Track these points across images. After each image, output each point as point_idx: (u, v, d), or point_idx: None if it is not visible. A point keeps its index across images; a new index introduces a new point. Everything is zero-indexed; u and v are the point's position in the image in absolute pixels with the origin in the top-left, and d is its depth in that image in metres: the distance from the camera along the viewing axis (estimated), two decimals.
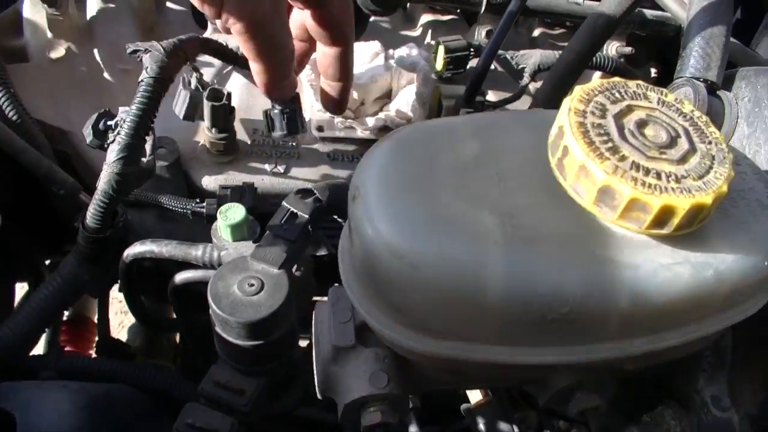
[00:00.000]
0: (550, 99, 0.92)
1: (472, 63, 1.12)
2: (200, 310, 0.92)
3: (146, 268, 0.89)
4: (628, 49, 1.19)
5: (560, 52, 1.08)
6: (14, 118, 0.95)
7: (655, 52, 1.34)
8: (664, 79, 1.33)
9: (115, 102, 1.06)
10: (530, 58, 1.08)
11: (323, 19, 0.78)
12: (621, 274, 0.42)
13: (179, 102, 0.86)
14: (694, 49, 0.65)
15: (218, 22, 0.68)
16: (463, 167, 0.45)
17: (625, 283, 0.42)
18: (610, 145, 0.42)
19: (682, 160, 0.43)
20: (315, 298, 0.86)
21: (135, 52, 0.78)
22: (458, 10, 1.24)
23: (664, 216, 0.42)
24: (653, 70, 1.35)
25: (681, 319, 0.46)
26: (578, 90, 0.45)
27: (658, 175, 0.42)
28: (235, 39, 0.71)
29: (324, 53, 0.82)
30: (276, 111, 0.85)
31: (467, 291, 0.41)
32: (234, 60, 0.83)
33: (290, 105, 0.85)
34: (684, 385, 0.60)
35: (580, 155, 0.42)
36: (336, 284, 0.58)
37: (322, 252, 0.82)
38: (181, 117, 0.87)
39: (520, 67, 1.09)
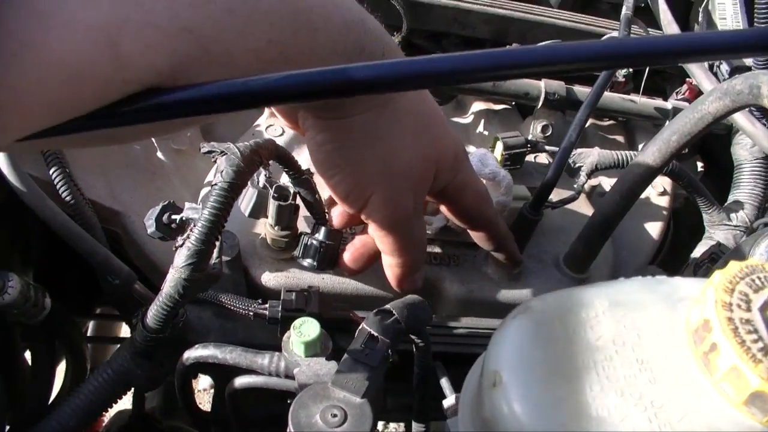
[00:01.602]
0: (618, 208, 0.91)
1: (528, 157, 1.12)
2: (250, 408, 0.91)
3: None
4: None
5: (617, 152, 1.08)
6: (68, 198, 0.94)
7: (701, 145, 1.34)
8: (709, 176, 1.33)
9: (167, 183, 1.06)
10: (588, 158, 1.07)
11: (458, 213, 0.83)
12: None
13: (245, 199, 0.85)
14: None
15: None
16: (603, 351, 0.44)
17: None
18: (761, 345, 0.41)
19: None
20: None
21: (210, 152, 0.77)
22: (513, 102, 1.23)
23: None
24: (699, 164, 1.35)
25: None
26: (721, 278, 0.44)
27: None
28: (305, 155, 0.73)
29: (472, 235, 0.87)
30: (314, 242, 0.85)
31: None
32: (297, 175, 0.83)
33: (331, 240, 0.86)
34: None
35: (732, 356, 0.40)
36: None
37: None
38: (247, 215, 0.86)
39: (576, 165, 1.08)
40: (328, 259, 0.86)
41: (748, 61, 1.18)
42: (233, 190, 0.73)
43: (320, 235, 0.86)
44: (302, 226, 0.93)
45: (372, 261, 0.85)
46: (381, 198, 0.70)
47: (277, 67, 0.50)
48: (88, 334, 1.76)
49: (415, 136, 0.72)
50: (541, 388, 0.42)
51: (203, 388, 2.60)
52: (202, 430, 1.05)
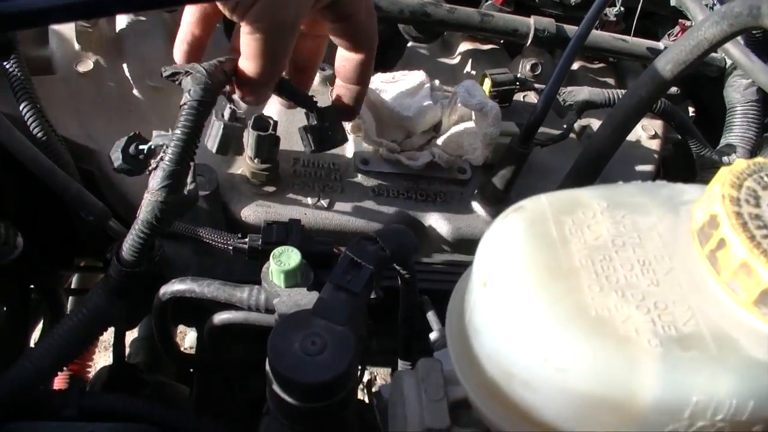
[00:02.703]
0: (609, 144, 0.88)
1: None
2: (233, 348, 0.88)
3: (180, 302, 0.84)
4: (674, 89, 1.16)
5: (607, 90, 1.05)
6: (40, 135, 0.90)
7: (692, 90, 1.31)
8: (701, 120, 1.31)
9: (143, 121, 1.02)
10: (578, 96, 1.04)
11: (349, 30, 0.78)
12: None
13: (212, 134, 0.81)
14: None
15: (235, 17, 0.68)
16: (601, 251, 0.41)
17: None
18: None
19: None
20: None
21: (174, 74, 0.73)
22: (500, 41, 1.20)
23: None
24: (690, 109, 1.32)
25: None
26: (727, 174, 0.41)
27: None
28: None
29: (345, 57, 0.81)
30: (303, 128, 0.83)
31: (617, 398, 0.37)
32: None
33: (326, 119, 0.83)
34: None
35: (742, 252, 0.38)
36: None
37: (372, 296, 0.78)
38: (214, 151, 0.83)
39: (566, 104, 1.05)
40: (324, 139, 0.84)
41: None
42: (203, 106, 0.70)
43: (312, 119, 0.83)
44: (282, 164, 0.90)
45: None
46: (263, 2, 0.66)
47: None
48: (72, 287, 1.72)
49: None
50: (535, 286, 0.39)
51: (190, 346, 2.58)
52: (183, 371, 1.02)
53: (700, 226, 0.41)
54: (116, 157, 0.75)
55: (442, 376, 0.50)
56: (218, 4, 0.69)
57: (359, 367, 0.96)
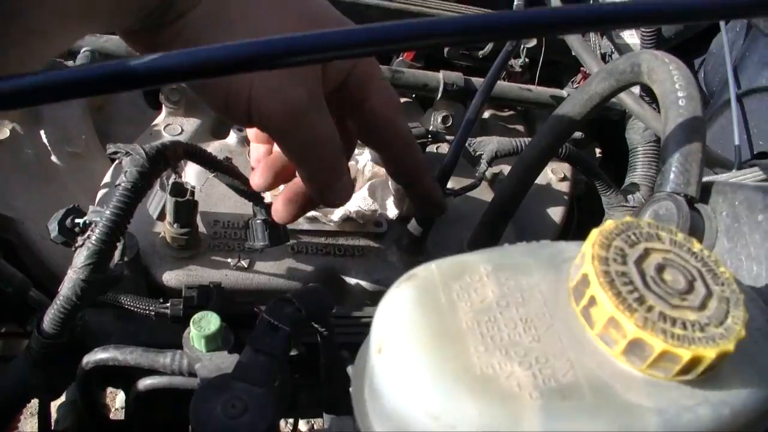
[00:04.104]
0: (517, 190, 0.93)
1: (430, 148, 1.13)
2: (159, 411, 0.89)
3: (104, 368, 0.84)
4: (579, 134, 1.22)
5: (515, 139, 1.11)
6: None
7: (598, 132, 1.38)
8: (608, 161, 1.38)
9: (63, 188, 1.03)
10: (487, 146, 1.09)
11: (366, 124, 0.71)
12: (650, 420, 0.42)
13: (154, 202, 0.83)
14: (674, 165, 0.66)
15: (248, 130, 0.64)
16: (486, 313, 0.44)
17: (653, 429, 0.42)
18: (636, 295, 0.42)
19: (702, 306, 0.44)
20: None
21: (115, 153, 0.75)
22: (413, 95, 1.25)
23: (691, 365, 0.42)
24: (597, 150, 1.39)
25: None
26: (596, 235, 0.45)
27: (684, 326, 0.42)
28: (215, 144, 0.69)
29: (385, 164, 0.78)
30: (258, 221, 0.84)
31: None
32: (217, 167, 0.80)
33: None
34: None
35: (609, 308, 0.41)
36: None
37: (293, 352, 0.80)
38: (155, 217, 0.85)
39: (477, 153, 1.10)
40: (278, 232, 0.86)
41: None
42: (137, 191, 0.72)
43: (261, 213, 0.85)
44: (201, 227, 0.92)
45: (303, 203, 0.76)
46: (262, 92, 0.58)
47: None
48: None
49: (280, 8, 0.60)
50: (425, 351, 0.42)
51: (120, 406, 2.53)
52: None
53: (575, 285, 0.45)
54: (53, 228, 0.76)
55: None
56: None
57: (294, 420, 0.97)
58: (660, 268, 0.45)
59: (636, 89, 1.15)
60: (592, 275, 0.43)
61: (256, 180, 0.75)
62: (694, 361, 0.42)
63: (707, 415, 0.44)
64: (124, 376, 0.85)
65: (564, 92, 1.25)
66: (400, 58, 1.22)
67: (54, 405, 1.25)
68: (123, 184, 0.71)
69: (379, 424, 0.45)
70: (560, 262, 0.48)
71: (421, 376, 0.41)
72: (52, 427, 1.16)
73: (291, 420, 1.52)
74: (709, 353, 0.41)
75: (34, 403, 1.09)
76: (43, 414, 1.08)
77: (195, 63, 0.41)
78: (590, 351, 0.43)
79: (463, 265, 0.47)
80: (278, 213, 0.77)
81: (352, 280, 0.95)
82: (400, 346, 0.43)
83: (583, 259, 0.44)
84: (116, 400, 2.47)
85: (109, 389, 2.35)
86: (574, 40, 1.13)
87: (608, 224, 0.46)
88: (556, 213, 1.19)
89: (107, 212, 0.70)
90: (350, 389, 0.50)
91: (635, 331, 0.41)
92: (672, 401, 0.43)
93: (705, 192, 0.69)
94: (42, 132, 1.05)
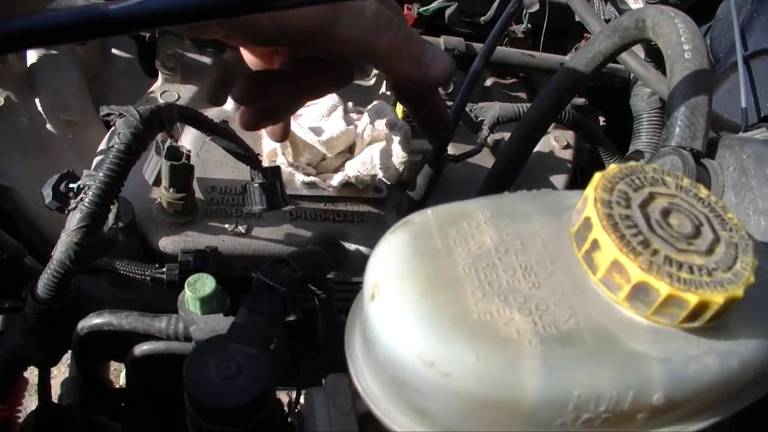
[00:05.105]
0: (518, 155, 0.91)
1: None
2: (158, 380, 0.87)
3: (101, 336, 0.83)
4: (582, 101, 1.20)
5: (518, 104, 1.09)
6: None
7: (602, 101, 1.36)
8: (612, 129, 1.35)
9: (58, 156, 1.02)
10: (489, 111, 1.07)
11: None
12: (655, 369, 0.40)
13: (150, 167, 0.82)
14: (679, 119, 0.65)
15: None
16: (485, 259, 0.43)
17: (659, 378, 0.40)
18: (640, 238, 0.41)
19: (710, 251, 0.42)
20: None
21: (108, 115, 0.73)
22: None
23: (698, 311, 0.40)
24: (601, 119, 1.37)
25: (705, 408, 0.44)
26: (600, 178, 0.43)
27: (691, 270, 0.40)
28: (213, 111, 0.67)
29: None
30: (256, 185, 0.82)
31: (502, 397, 0.38)
32: (212, 130, 0.78)
33: (271, 178, 0.82)
34: None
35: (612, 251, 0.40)
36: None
37: (291, 318, 0.78)
38: (151, 183, 0.84)
39: (479, 119, 1.08)
40: (276, 196, 0.84)
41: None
42: (130, 153, 0.70)
43: (259, 177, 0.84)
44: (198, 193, 0.91)
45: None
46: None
47: None
48: None
49: None
50: (420, 296, 0.41)
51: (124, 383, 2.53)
52: (116, 409, 1.01)
53: (576, 229, 0.43)
54: (47, 194, 0.75)
55: (349, 390, 0.52)
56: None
57: (297, 391, 0.96)
58: (665, 212, 0.43)
59: (641, 54, 1.13)
60: (594, 218, 0.41)
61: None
62: (702, 307, 0.40)
63: (715, 364, 0.43)
64: (123, 347, 0.83)
65: (567, 58, 1.23)
66: None
67: (58, 381, 1.25)
68: (116, 146, 0.69)
69: (374, 376, 0.44)
70: (561, 210, 0.47)
71: (415, 322, 0.40)
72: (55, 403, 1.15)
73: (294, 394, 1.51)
74: (717, 298, 0.40)
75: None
76: (43, 389, 1.07)
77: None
78: (592, 298, 0.42)
79: (461, 211, 0.46)
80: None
81: (351, 246, 0.93)
82: (395, 291, 0.41)
83: (585, 203, 0.43)
84: (120, 377, 2.47)
85: (113, 367, 2.36)
86: (577, 3, 1.11)
87: (611, 168, 0.45)
88: (558, 181, 1.18)
89: (100, 174, 0.68)
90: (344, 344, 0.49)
91: (639, 274, 0.39)
92: (678, 350, 0.42)
93: (711, 147, 0.67)
94: (37, 100, 1.04)
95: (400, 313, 0.41)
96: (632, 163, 0.46)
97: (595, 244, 0.41)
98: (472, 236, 0.44)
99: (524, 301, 0.41)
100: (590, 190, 0.43)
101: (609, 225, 0.41)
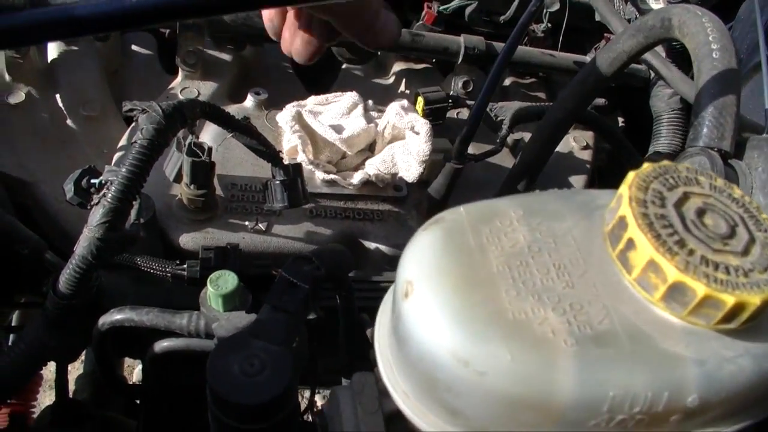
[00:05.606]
0: (540, 155, 0.91)
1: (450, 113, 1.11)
2: (176, 376, 0.87)
3: (120, 332, 0.83)
4: (602, 101, 1.19)
5: (537, 104, 1.08)
6: None
7: (622, 101, 1.35)
8: (631, 130, 1.35)
9: (78, 151, 1.02)
10: (509, 110, 1.07)
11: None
12: (690, 371, 0.40)
13: (171, 163, 0.81)
14: (707, 119, 0.64)
15: None
16: (518, 257, 0.42)
17: (694, 380, 0.40)
18: (676, 238, 0.40)
19: (746, 252, 0.42)
20: None
21: (131, 110, 0.73)
22: (433, 60, 1.22)
23: (735, 312, 0.40)
24: (620, 120, 1.36)
25: (738, 410, 0.44)
26: (634, 177, 0.43)
27: (727, 270, 0.40)
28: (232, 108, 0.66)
29: None
30: (277, 182, 0.82)
31: (536, 397, 0.38)
32: (234, 127, 0.78)
33: (292, 175, 0.82)
34: None
35: (648, 250, 0.39)
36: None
37: (311, 316, 0.78)
38: (171, 179, 0.83)
39: (498, 119, 1.08)
40: (297, 193, 0.84)
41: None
42: (153, 148, 0.70)
43: (280, 174, 0.83)
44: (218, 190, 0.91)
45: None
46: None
47: None
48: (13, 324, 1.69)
49: None
50: (454, 294, 0.40)
51: (138, 380, 2.54)
52: (130, 405, 1.00)
53: (611, 228, 0.43)
54: (68, 189, 0.75)
55: (376, 389, 0.51)
56: None
57: (311, 389, 0.96)
58: (700, 212, 0.43)
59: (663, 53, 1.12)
60: (630, 217, 0.41)
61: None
62: (738, 308, 0.40)
63: (749, 367, 0.42)
64: (140, 343, 0.83)
65: (587, 58, 1.22)
66: (420, 22, 1.19)
67: (72, 377, 1.25)
68: (139, 142, 0.69)
69: (405, 374, 0.43)
70: (593, 209, 0.46)
71: (449, 320, 0.39)
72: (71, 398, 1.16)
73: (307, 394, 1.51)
74: (754, 299, 0.39)
75: (53, 376, 1.09)
76: (61, 384, 1.07)
77: None
78: (627, 298, 0.41)
79: (493, 209, 0.46)
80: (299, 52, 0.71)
81: (371, 245, 0.93)
82: (428, 289, 0.41)
83: (619, 202, 0.42)
84: (133, 374, 2.48)
85: (126, 364, 2.36)
86: (599, 2, 1.10)
87: (645, 167, 0.44)
88: (577, 182, 1.17)
89: (123, 170, 0.68)
90: (373, 343, 0.48)
91: (676, 274, 0.39)
92: (713, 352, 0.41)
93: (739, 148, 0.67)
94: (57, 96, 1.04)
95: (434, 310, 0.40)
96: (665, 162, 0.45)
97: (630, 244, 0.41)
98: (505, 234, 0.44)
99: (558, 300, 0.41)
100: (624, 189, 0.42)
101: (645, 224, 0.40)
